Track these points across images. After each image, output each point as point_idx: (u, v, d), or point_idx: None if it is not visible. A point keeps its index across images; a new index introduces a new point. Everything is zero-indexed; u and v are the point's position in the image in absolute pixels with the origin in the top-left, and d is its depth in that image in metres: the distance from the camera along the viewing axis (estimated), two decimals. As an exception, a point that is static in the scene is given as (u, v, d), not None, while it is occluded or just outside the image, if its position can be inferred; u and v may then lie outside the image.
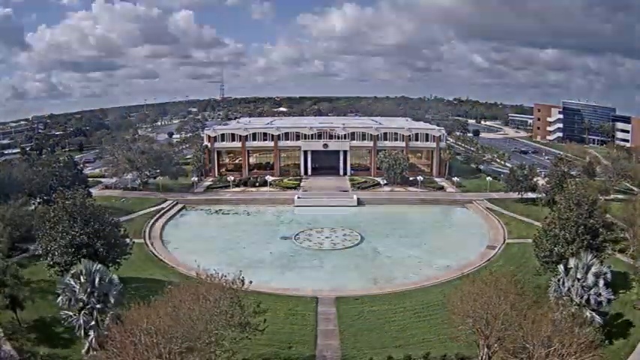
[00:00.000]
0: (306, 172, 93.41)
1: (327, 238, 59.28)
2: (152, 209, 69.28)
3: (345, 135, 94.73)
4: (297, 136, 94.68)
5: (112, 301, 30.95)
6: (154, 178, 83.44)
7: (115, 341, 23.41)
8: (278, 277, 46.80)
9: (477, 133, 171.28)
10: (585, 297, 31.05)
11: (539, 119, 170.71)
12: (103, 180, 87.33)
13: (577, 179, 67.82)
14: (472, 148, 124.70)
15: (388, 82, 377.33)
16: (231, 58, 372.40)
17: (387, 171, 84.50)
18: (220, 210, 73.18)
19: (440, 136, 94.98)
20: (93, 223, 39.89)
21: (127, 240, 43.57)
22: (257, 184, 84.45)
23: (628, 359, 31.55)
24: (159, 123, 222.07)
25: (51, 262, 39.24)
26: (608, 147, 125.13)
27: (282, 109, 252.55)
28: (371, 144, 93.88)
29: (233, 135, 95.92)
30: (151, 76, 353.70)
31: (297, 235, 60.18)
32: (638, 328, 34.70)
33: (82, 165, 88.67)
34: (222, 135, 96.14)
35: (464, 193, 79.58)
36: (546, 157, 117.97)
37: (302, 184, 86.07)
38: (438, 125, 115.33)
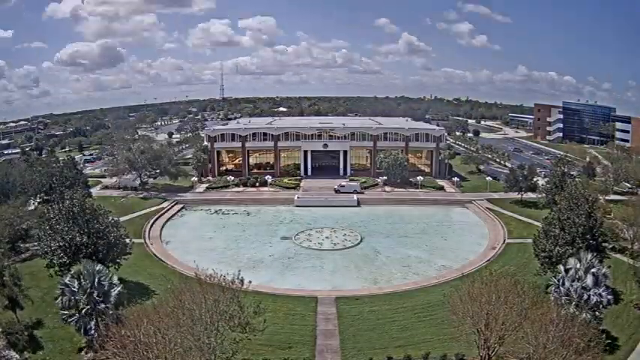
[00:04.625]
0: (306, 172, 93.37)
1: (327, 238, 59.25)
2: (152, 209, 69.38)
3: (345, 135, 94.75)
4: (297, 136, 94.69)
5: (112, 301, 31.00)
6: (154, 178, 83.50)
7: (115, 341, 23.39)
8: (278, 278, 46.85)
9: (477, 133, 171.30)
10: (585, 297, 31.00)
11: (539, 119, 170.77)
12: (103, 180, 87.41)
13: (577, 179, 67.85)
14: (472, 148, 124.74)
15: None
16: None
17: (387, 171, 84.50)
18: (220, 210, 73.11)
19: (440, 136, 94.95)
20: (93, 223, 39.91)
21: (127, 240, 43.54)
22: (257, 184, 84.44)
23: (628, 359, 31.57)
24: (159, 123, 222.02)
25: (51, 262, 39.24)
26: (608, 147, 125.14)
27: (282, 109, 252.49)
28: (371, 144, 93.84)
29: (233, 135, 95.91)
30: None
31: (297, 235, 60.19)
32: (637, 328, 34.75)
33: (82, 165, 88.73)
34: (222, 135, 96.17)
35: (464, 193, 79.58)
36: (546, 157, 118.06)
37: (302, 184, 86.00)
38: (438, 125, 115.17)
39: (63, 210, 40.26)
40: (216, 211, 72.68)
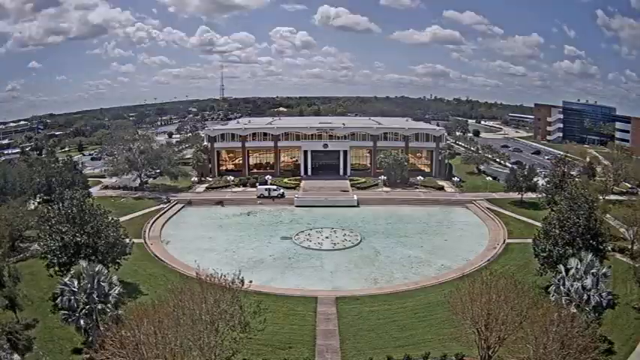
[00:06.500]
0: (306, 172, 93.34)
1: (326, 238, 59.24)
2: (152, 209, 69.36)
3: (345, 135, 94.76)
4: (297, 136, 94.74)
5: (112, 301, 31.00)
6: (154, 178, 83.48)
7: (115, 341, 23.39)
8: (278, 278, 46.83)
9: (476, 133, 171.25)
10: (585, 297, 30.98)
11: (539, 119, 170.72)
12: (103, 180, 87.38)
13: (577, 179, 67.85)
14: (472, 148, 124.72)
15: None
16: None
17: (387, 171, 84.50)
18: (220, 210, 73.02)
19: (440, 136, 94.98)
20: (92, 223, 39.90)
21: (127, 240, 43.54)
22: (257, 184, 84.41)
23: (627, 359, 31.55)
24: (159, 123, 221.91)
25: (51, 262, 39.23)
26: (608, 147, 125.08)
27: (282, 109, 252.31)
28: (371, 144, 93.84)
29: (233, 135, 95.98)
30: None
31: (297, 235, 60.17)
32: (637, 328, 34.74)
33: (86, 163, 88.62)
34: (222, 135, 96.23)
35: (464, 193, 79.58)
36: (546, 157, 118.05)
37: (302, 184, 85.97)
38: (438, 125, 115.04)
39: (62, 210, 40.28)
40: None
